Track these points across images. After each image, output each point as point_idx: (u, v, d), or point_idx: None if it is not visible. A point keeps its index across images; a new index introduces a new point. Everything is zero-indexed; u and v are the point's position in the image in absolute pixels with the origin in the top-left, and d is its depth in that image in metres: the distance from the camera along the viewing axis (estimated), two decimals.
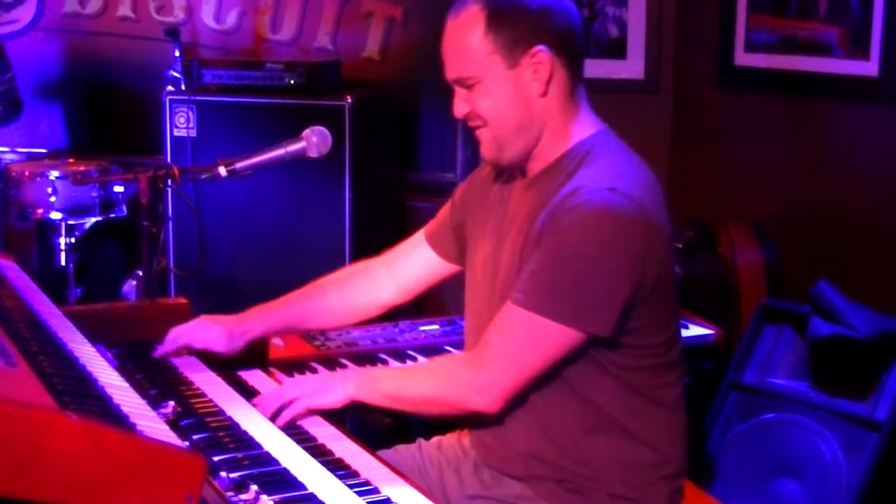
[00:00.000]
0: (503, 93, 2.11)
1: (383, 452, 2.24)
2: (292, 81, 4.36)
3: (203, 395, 2.24)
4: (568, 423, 2.13)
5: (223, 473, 1.79)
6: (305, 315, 2.52)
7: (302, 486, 1.80)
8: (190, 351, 2.48)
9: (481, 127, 2.16)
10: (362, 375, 2.23)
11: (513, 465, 2.20)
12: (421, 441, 2.42)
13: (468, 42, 2.10)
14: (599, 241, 2.01)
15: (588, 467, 2.14)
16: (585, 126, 2.17)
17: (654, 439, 2.16)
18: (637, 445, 2.15)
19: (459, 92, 2.16)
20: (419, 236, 2.51)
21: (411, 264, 2.50)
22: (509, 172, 2.28)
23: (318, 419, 2.17)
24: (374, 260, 2.55)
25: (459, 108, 2.16)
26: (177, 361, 2.43)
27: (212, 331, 2.45)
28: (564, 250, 2.02)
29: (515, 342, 2.06)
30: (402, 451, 2.37)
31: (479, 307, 2.28)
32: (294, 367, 2.83)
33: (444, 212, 2.47)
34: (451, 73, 2.15)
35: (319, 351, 2.93)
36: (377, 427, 2.59)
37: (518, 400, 2.12)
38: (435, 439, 2.42)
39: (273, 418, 2.13)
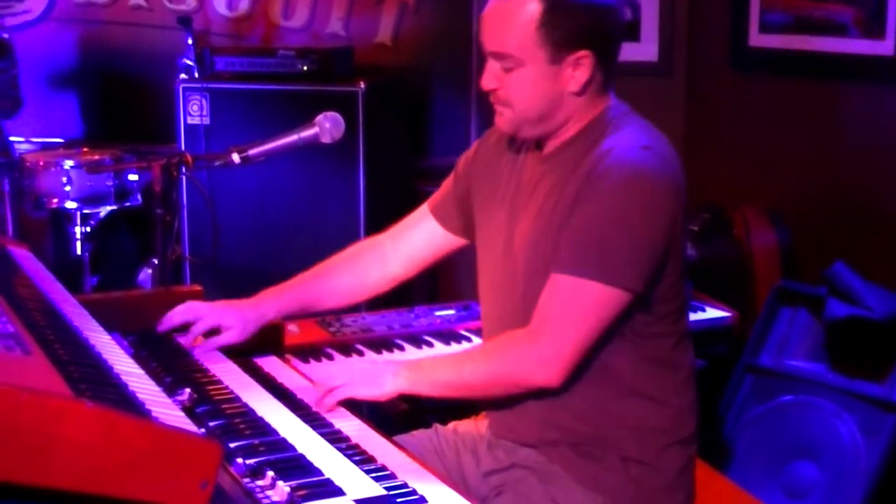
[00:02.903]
0: (538, 84, 2.12)
1: (400, 437, 2.24)
2: (305, 68, 4.35)
3: (219, 382, 2.24)
4: (584, 387, 2.14)
5: (239, 460, 1.78)
6: (318, 295, 2.51)
7: (318, 472, 1.80)
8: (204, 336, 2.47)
9: (503, 106, 2.17)
10: (413, 367, 2.19)
11: (527, 432, 2.21)
12: (437, 426, 2.42)
13: (518, 27, 2.09)
14: (637, 200, 2.04)
15: (602, 431, 2.16)
16: (601, 103, 2.19)
17: (667, 404, 2.18)
18: (651, 410, 2.17)
19: (492, 65, 2.15)
20: (423, 209, 2.51)
21: (416, 237, 2.50)
22: (521, 143, 2.29)
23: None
24: (381, 235, 2.55)
25: (488, 82, 2.16)
26: (192, 349, 2.42)
27: (227, 316, 2.43)
28: (605, 212, 2.05)
29: (571, 311, 2.06)
30: (418, 436, 2.37)
31: (493, 278, 2.28)
32: (309, 353, 2.83)
33: (448, 184, 2.47)
34: (490, 44, 2.14)
35: (335, 337, 2.93)
36: (393, 412, 2.58)
37: None
38: (451, 424, 2.42)
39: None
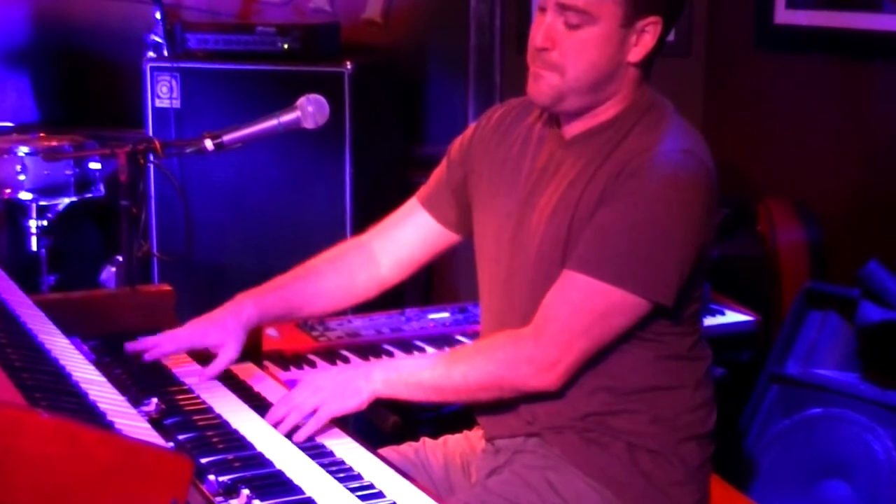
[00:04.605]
0: (602, 48, 2.12)
1: (385, 450, 2.25)
2: (286, 46, 4.34)
3: (190, 391, 2.24)
4: (596, 384, 2.17)
5: (212, 476, 1.78)
6: (303, 299, 2.48)
7: (299, 491, 1.80)
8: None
9: (551, 72, 2.14)
10: (388, 369, 2.19)
11: (528, 426, 2.22)
12: (426, 439, 2.43)
13: None
14: (675, 208, 2.07)
15: (613, 421, 2.18)
16: (640, 90, 2.21)
17: (689, 395, 2.22)
18: (671, 401, 2.20)
19: (553, 20, 2.13)
20: (412, 203, 2.49)
21: (406, 235, 2.48)
22: (535, 123, 2.30)
23: None
24: (365, 235, 2.53)
25: (544, 40, 2.13)
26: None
27: (212, 335, 2.36)
28: (637, 216, 2.07)
29: (582, 313, 2.08)
30: (405, 450, 2.38)
31: (496, 269, 2.29)
32: (291, 360, 2.83)
33: (440, 172, 2.47)
34: None
35: (319, 343, 2.93)
36: (382, 425, 2.58)
37: None
38: (441, 438, 2.43)
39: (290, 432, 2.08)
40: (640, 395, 2.18)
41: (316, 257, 2.54)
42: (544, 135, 2.27)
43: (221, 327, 2.37)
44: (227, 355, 2.36)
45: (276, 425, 2.08)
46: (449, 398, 2.20)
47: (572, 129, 2.22)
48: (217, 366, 2.35)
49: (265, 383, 2.36)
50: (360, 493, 1.82)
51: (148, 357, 2.36)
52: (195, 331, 2.39)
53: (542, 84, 2.16)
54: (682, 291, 2.12)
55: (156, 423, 1.98)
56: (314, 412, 2.09)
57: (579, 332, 2.08)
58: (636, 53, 2.14)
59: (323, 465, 1.92)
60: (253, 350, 2.57)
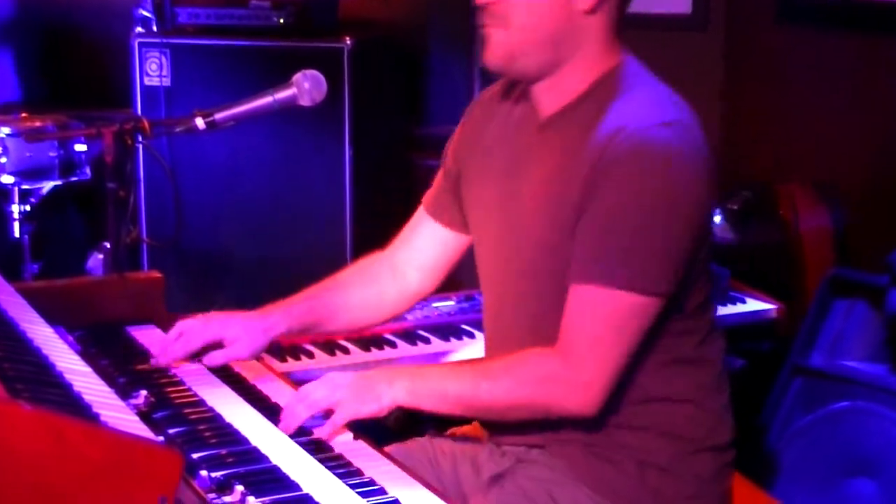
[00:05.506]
0: None
1: (390, 447, 2.24)
2: (281, 21, 4.35)
3: (180, 383, 2.24)
4: None
5: (204, 472, 1.78)
6: (330, 312, 2.46)
7: (296, 487, 1.80)
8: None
9: (497, 27, 2.13)
10: (412, 376, 2.17)
11: (532, 436, 2.21)
12: (432, 433, 2.42)
13: None
14: (663, 192, 2.03)
15: (619, 436, 2.16)
16: (613, 57, 2.17)
17: (698, 407, 2.19)
18: (679, 414, 2.18)
19: None
20: (420, 212, 2.49)
21: (422, 244, 2.48)
22: (515, 101, 2.28)
23: None
24: (389, 248, 2.52)
25: None
26: (150, 345, 2.41)
27: (229, 328, 2.34)
28: (627, 207, 2.04)
29: (605, 327, 2.06)
30: (410, 446, 2.37)
31: (485, 267, 2.30)
32: (288, 351, 2.83)
33: (439, 177, 2.47)
34: None
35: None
36: (384, 419, 2.58)
37: None
38: (448, 431, 2.43)
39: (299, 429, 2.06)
40: (645, 405, 2.16)
41: (346, 269, 2.54)
42: (521, 117, 2.25)
43: (243, 323, 2.36)
44: (235, 350, 2.34)
45: (289, 422, 2.07)
46: (475, 415, 2.21)
47: (546, 108, 2.19)
48: (220, 356, 2.33)
49: (261, 375, 2.36)
50: (360, 490, 1.81)
51: (160, 362, 2.32)
52: (212, 323, 2.36)
53: (492, 44, 2.15)
54: (687, 280, 2.11)
55: (145, 416, 1.98)
56: (328, 411, 2.08)
57: (610, 348, 2.06)
58: (588, 2, 2.10)
59: (321, 461, 1.91)
60: None
